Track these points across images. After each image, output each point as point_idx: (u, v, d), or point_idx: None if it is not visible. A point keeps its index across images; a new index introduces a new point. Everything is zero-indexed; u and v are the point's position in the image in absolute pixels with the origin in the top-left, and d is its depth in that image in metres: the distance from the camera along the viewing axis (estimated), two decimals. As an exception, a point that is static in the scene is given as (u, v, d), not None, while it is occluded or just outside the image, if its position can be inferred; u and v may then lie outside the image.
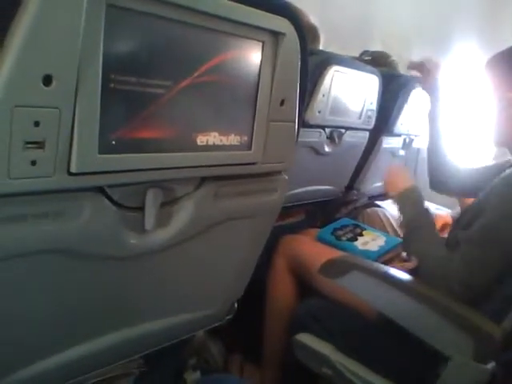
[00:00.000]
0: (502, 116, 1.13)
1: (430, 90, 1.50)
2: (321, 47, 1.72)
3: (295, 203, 1.64)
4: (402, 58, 2.27)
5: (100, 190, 0.60)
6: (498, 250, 1.01)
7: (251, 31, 0.66)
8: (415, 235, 1.16)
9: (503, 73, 1.12)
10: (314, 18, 1.69)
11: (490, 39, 2.12)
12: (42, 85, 0.48)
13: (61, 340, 0.69)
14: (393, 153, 1.95)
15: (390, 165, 1.43)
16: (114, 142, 0.56)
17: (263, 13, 0.66)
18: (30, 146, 0.49)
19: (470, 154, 2.19)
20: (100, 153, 0.55)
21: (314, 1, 2.29)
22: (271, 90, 0.72)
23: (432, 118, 1.49)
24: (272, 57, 0.70)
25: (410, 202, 1.21)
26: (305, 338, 1.21)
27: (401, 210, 1.24)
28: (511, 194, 1.02)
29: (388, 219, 1.90)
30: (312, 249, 1.45)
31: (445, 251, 1.07)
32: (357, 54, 2.05)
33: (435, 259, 1.07)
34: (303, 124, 1.40)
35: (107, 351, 0.75)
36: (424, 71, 1.49)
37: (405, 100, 1.79)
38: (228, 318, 0.96)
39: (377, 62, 1.91)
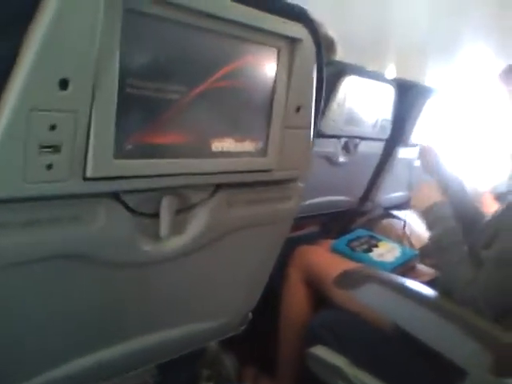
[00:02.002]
0: None
1: (433, 173, 1.47)
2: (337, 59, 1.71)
3: (310, 214, 1.63)
4: (418, 68, 2.28)
5: (115, 195, 0.60)
6: None
7: (267, 37, 0.65)
8: (443, 254, 1.13)
9: None
10: (331, 31, 1.69)
11: (503, 46, 2.10)
12: (58, 88, 0.48)
13: (73, 348, 0.69)
14: (408, 163, 1.93)
15: (422, 182, 1.38)
16: (129, 147, 0.56)
17: (279, 19, 0.66)
18: (45, 150, 0.49)
19: (486, 169, 2.16)
20: (115, 158, 0.54)
21: (331, 14, 2.31)
22: (287, 97, 0.71)
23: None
24: (288, 63, 0.70)
25: (438, 218, 1.18)
26: (319, 351, 1.20)
27: (428, 226, 1.21)
28: None
29: (403, 230, 1.87)
30: (327, 260, 1.43)
31: (471, 272, 1.05)
32: (373, 68, 2.04)
33: (463, 282, 1.05)
34: (318, 133, 1.40)
35: (120, 360, 0.74)
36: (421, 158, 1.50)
37: (420, 110, 1.78)
38: (242, 328, 0.95)
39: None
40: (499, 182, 2.01)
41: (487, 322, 0.96)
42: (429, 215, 1.21)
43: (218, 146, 0.65)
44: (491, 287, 1.00)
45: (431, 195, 1.24)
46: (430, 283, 1.21)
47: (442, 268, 1.16)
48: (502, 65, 1.15)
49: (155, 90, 0.56)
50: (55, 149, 0.50)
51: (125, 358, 0.75)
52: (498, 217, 1.10)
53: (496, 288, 1.00)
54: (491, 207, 1.51)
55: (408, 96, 1.76)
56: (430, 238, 1.19)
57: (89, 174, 0.53)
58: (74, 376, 0.69)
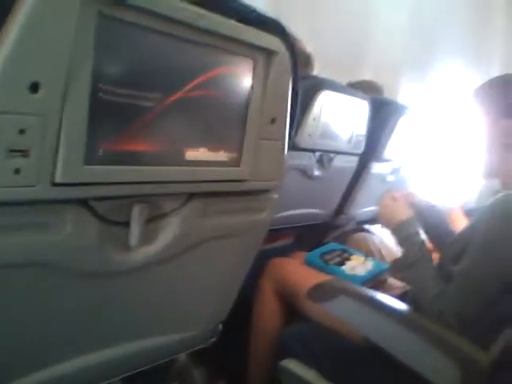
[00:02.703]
0: (494, 145, 1.13)
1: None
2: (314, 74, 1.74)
3: (284, 226, 1.63)
4: (392, 85, 2.33)
5: (84, 202, 0.59)
6: (491, 279, 1.01)
7: (243, 48, 0.66)
8: (412, 269, 1.14)
9: (495, 100, 1.12)
10: (308, 47, 1.72)
11: (477, 67, 2.16)
12: (28, 92, 0.47)
13: (35, 359, 0.66)
14: (382, 178, 1.96)
15: (382, 195, 1.39)
16: (100, 154, 0.55)
17: (256, 30, 0.66)
18: (14, 154, 0.48)
19: (456, 185, 2.21)
20: (86, 164, 0.54)
21: (307, 30, 2.34)
22: (262, 108, 0.72)
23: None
24: (263, 74, 0.70)
25: (407, 235, 1.19)
26: (290, 364, 1.19)
27: (398, 243, 1.22)
28: (497, 223, 1.02)
29: (375, 244, 1.89)
30: (300, 272, 1.43)
31: (439, 286, 1.06)
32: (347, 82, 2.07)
33: (430, 295, 1.06)
34: (293, 147, 1.41)
35: (85, 372, 0.72)
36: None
37: (394, 126, 1.81)
38: (212, 340, 0.93)
39: (362, 90, 1.94)
40: (469, 198, 2.06)
41: (456, 336, 0.97)
42: (397, 233, 1.23)
43: (191, 154, 0.65)
44: (459, 300, 1.01)
45: (397, 212, 1.25)
46: (401, 297, 1.22)
47: (411, 282, 1.18)
48: (475, 84, 1.18)
49: (129, 96, 0.56)
50: (24, 153, 0.49)
51: (90, 371, 0.73)
52: (467, 231, 1.12)
53: (463, 301, 1.02)
54: (461, 222, 1.54)
55: (382, 112, 1.79)
56: (400, 256, 1.21)
57: (58, 179, 0.52)
58: None
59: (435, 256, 1.42)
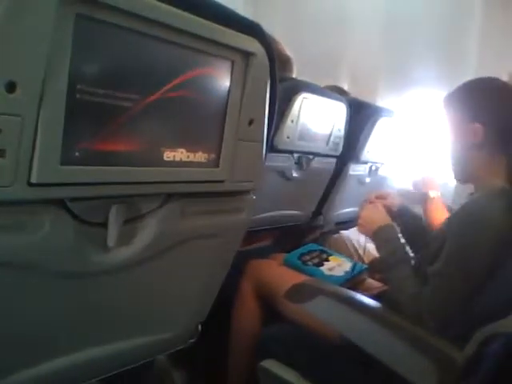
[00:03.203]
0: (465, 150, 1.15)
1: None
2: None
3: (263, 227, 1.63)
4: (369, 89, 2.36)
5: (61, 203, 0.58)
6: (465, 278, 1.03)
7: (221, 50, 0.66)
8: (390, 271, 1.16)
9: (465, 105, 1.15)
10: (288, 50, 1.73)
11: (452, 74, 2.21)
12: (4, 91, 0.47)
13: (13, 360, 0.66)
14: (359, 180, 1.98)
15: (361, 203, 1.41)
16: (77, 154, 0.55)
17: (234, 32, 0.67)
18: None
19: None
20: (62, 164, 0.53)
21: (287, 34, 2.36)
22: (240, 110, 0.72)
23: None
24: (241, 76, 0.71)
25: (386, 240, 1.22)
26: (270, 365, 1.19)
27: (377, 247, 1.25)
28: (470, 222, 1.04)
29: (353, 245, 1.91)
30: (278, 273, 1.44)
31: (417, 287, 1.08)
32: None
33: (408, 296, 1.07)
34: (272, 148, 1.41)
35: (62, 374, 0.72)
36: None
37: (371, 128, 1.83)
38: (191, 341, 0.93)
39: None
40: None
41: (432, 335, 0.99)
42: (376, 238, 1.25)
43: (169, 155, 0.65)
44: (435, 300, 1.03)
45: (375, 220, 1.28)
46: (378, 297, 1.24)
47: (389, 283, 1.19)
48: (449, 89, 1.20)
49: (106, 96, 0.56)
50: None
51: (67, 372, 0.72)
52: (442, 232, 1.14)
53: (440, 301, 1.03)
54: (440, 212, 1.56)
55: (360, 115, 1.81)
56: (380, 259, 1.23)
57: (34, 179, 0.51)
58: None
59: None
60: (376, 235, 1.24)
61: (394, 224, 1.27)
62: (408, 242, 1.35)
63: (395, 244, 1.20)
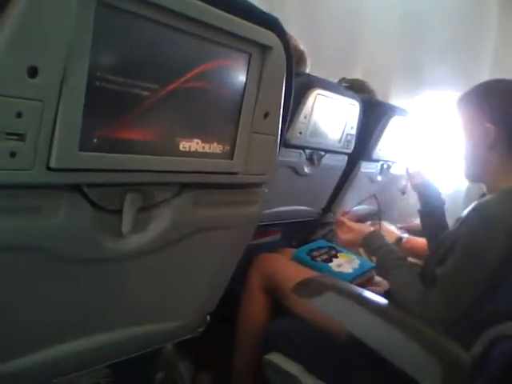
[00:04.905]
0: (477, 150, 1.15)
1: (418, 190, 1.55)
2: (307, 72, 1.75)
3: (272, 222, 1.64)
4: (382, 88, 2.35)
5: (78, 188, 0.59)
6: (475, 281, 1.02)
7: (239, 42, 0.67)
8: (389, 277, 1.17)
9: (478, 105, 1.14)
10: (302, 45, 1.73)
11: (466, 74, 2.19)
12: (27, 76, 0.48)
13: (20, 343, 0.67)
14: (370, 178, 1.98)
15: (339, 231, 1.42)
16: (95, 140, 0.56)
17: (252, 25, 0.67)
18: (10, 137, 0.48)
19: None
20: (81, 150, 0.54)
21: (301, 29, 2.36)
22: (256, 102, 0.73)
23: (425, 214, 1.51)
24: (258, 69, 0.71)
25: (377, 247, 1.23)
26: (275, 358, 1.20)
27: (371, 254, 1.26)
28: (481, 225, 1.03)
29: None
30: (287, 268, 1.44)
31: (420, 289, 1.08)
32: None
33: (411, 304, 1.08)
34: (284, 144, 1.42)
35: (72, 358, 0.73)
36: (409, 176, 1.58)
37: (384, 127, 1.83)
38: (199, 330, 0.94)
39: (355, 89, 1.95)
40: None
41: (439, 335, 0.99)
42: (367, 247, 1.27)
43: (185, 145, 0.66)
44: (447, 302, 1.03)
45: (358, 232, 1.29)
46: (387, 294, 1.24)
47: (391, 289, 1.20)
48: (464, 89, 1.20)
49: (125, 85, 0.57)
50: (20, 137, 0.49)
51: (77, 356, 0.73)
52: (451, 235, 1.13)
53: (448, 302, 1.03)
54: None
55: (373, 113, 1.81)
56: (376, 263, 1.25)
57: (53, 164, 0.52)
58: (21, 374, 0.67)
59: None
60: (366, 244, 1.27)
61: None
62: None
63: (388, 249, 1.21)
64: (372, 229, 1.30)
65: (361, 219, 1.93)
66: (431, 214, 1.49)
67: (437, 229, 1.42)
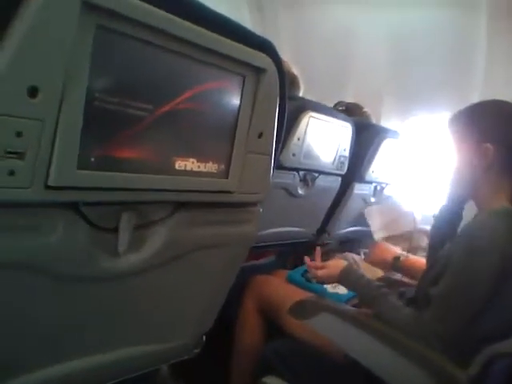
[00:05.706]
0: (471, 169, 1.14)
1: None
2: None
3: (267, 243, 1.64)
4: (374, 111, 2.38)
5: (75, 207, 0.60)
6: (469, 300, 1.02)
7: (234, 65, 0.68)
8: (377, 306, 1.16)
9: (474, 125, 1.12)
10: (295, 69, 1.76)
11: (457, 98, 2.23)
12: (27, 96, 0.49)
13: (12, 363, 0.66)
14: (364, 199, 2.00)
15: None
16: (93, 159, 0.57)
17: (247, 48, 0.69)
18: (9, 155, 0.49)
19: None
20: (79, 168, 0.55)
21: (294, 54, 2.40)
22: (250, 123, 0.74)
23: None
24: (252, 91, 0.73)
25: (354, 279, 1.23)
26: (271, 381, 1.19)
27: (349, 289, 1.27)
28: (474, 246, 1.04)
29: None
30: (282, 290, 1.44)
31: (408, 312, 1.08)
32: (331, 105, 2.12)
33: (404, 322, 1.07)
34: (278, 165, 1.43)
35: (67, 379, 0.72)
36: None
37: (376, 149, 1.85)
38: (196, 351, 0.94)
39: (350, 112, 1.98)
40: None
41: (436, 354, 0.98)
42: (345, 281, 1.26)
43: (181, 164, 0.67)
44: (443, 321, 1.02)
45: (331, 268, 1.29)
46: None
47: (380, 317, 1.19)
48: (454, 110, 1.21)
49: (122, 105, 0.58)
50: (19, 155, 0.50)
51: (72, 377, 0.72)
52: (445, 254, 1.14)
53: (443, 322, 1.03)
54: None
55: (365, 135, 1.83)
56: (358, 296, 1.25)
57: (51, 182, 0.53)
58: None
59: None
60: (343, 279, 1.25)
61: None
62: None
63: (365, 280, 1.20)
64: (345, 263, 1.30)
65: (329, 252, 1.95)
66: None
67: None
